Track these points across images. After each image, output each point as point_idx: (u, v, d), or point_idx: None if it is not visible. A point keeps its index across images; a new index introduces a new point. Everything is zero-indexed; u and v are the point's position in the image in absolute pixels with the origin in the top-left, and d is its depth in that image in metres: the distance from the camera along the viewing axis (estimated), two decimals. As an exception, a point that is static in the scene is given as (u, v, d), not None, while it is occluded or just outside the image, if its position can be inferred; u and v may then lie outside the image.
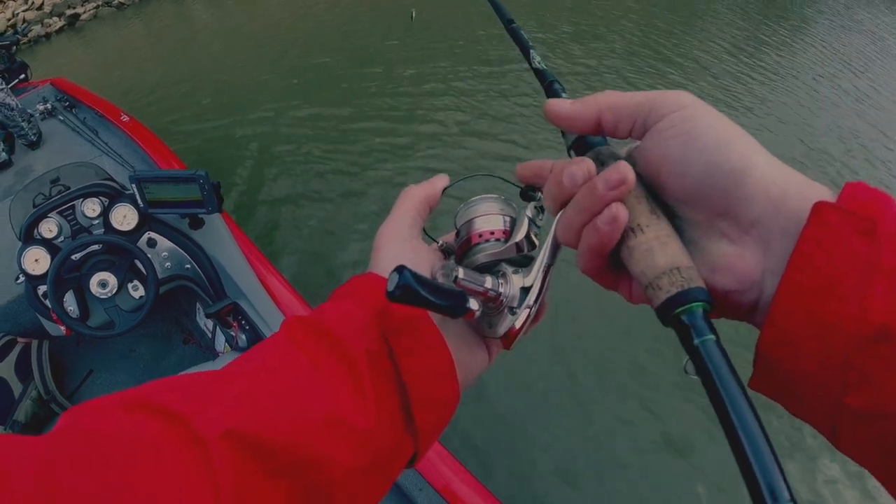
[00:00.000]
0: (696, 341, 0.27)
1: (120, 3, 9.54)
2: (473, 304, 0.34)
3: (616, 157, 0.34)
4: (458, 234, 0.42)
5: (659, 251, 0.30)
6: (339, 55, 5.84)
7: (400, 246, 0.40)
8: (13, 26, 8.55)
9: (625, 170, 0.30)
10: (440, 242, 0.44)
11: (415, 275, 0.29)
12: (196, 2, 9.42)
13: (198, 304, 2.01)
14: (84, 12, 9.20)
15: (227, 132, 4.60)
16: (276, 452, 0.29)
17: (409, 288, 0.29)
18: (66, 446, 0.27)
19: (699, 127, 0.30)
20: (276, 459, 0.29)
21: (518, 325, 0.37)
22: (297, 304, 1.72)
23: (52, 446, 0.27)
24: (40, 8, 9.04)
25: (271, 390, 0.31)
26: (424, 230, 0.44)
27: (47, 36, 8.71)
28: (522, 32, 0.51)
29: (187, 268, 1.78)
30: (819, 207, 0.27)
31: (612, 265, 0.34)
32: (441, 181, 0.45)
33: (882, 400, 0.24)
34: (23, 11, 8.93)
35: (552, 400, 2.43)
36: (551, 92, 0.41)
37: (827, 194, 0.28)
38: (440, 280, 0.36)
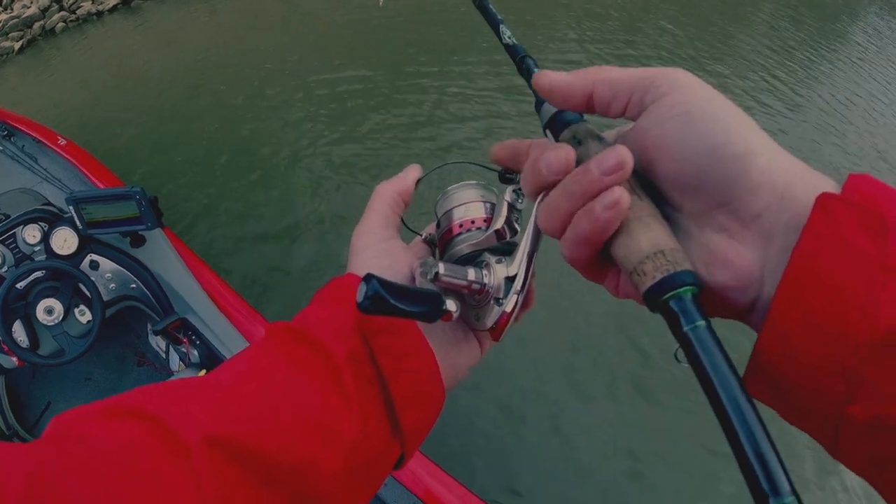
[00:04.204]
0: (685, 328, 0.27)
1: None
2: (451, 305, 0.34)
3: (594, 136, 0.34)
4: (438, 226, 0.43)
5: (641, 233, 0.29)
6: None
7: (376, 247, 0.41)
8: (58, 1, 7.97)
9: (623, 153, 0.29)
10: (424, 235, 0.45)
11: (384, 283, 0.30)
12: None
13: (148, 325, 2.10)
14: (142, -10, 8.27)
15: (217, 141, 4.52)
16: (259, 459, 0.30)
17: (379, 297, 0.29)
18: (56, 451, 0.29)
19: (701, 108, 0.29)
20: (260, 466, 0.30)
21: (505, 316, 0.37)
22: (247, 313, 1.82)
23: (42, 451, 0.29)
24: (92, -19, 8.20)
25: (254, 397, 0.32)
26: (404, 223, 0.45)
27: (98, 14, 8.02)
28: (491, 6, 0.50)
29: (132, 287, 1.87)
30: (823, 200, 0.26)
31: (599, 255, 0.32)
32: (413, 172, 0.45)
33: (890, 411, 0.23)
34: (71, -17, 8.04)
35: (534, 398, 2.53)
36: (523, 68, 0.41)
37: (833, 186, 0.27)
38: (419, 279, 0.38)
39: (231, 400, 0.32)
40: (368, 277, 0.30)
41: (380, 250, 0.41)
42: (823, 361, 0.25)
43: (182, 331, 1.84)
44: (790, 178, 0.28)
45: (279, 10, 7.28)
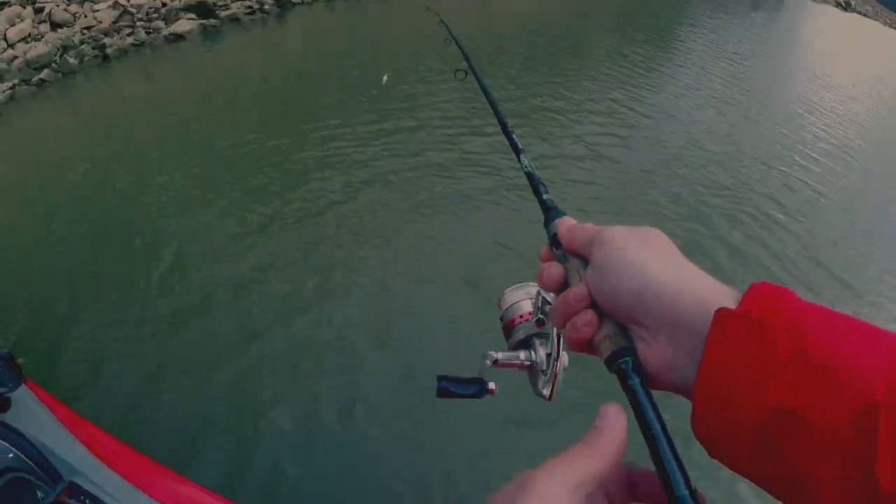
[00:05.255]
0: (629, 382, 0.41)
1: (40, 79, 8.06)
2: (492, 385, 0.57)
3: (572, 256, 0.51)
4: (501, 319, 0.61)
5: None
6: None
7: None
8: None
9: (581, 295, 0.47)
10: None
11: (449, 379, 0.56)
12: (129, 74, 8.28)
13: (38, 493, 1.87)
14: (-4, 94, 7.54)
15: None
16: None
17: (446, 390, 0.56)
18: None
19: (610, 260, 0.45)
20: None
21: (551, 386, 0.54)
22: (139, 462, 1.61)
23: None
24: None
25: None
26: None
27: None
28: (515, 136, 0.69)
29: (10, 457, 1.66)
30: (719, 315, 0.38)
31: None
32: (620, 420, 0.39)
33: (786, 472, 0.34)
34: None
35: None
36: (538, 193, 0.63)
37: (722, 292, 0.40)
38: (485, 363, 0.56)
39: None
40: (439, 379, 0.56)
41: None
42: (740, 441, 0.36)
43: (74, 496, 1.61)
44: (679, 298, 0.41)
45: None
